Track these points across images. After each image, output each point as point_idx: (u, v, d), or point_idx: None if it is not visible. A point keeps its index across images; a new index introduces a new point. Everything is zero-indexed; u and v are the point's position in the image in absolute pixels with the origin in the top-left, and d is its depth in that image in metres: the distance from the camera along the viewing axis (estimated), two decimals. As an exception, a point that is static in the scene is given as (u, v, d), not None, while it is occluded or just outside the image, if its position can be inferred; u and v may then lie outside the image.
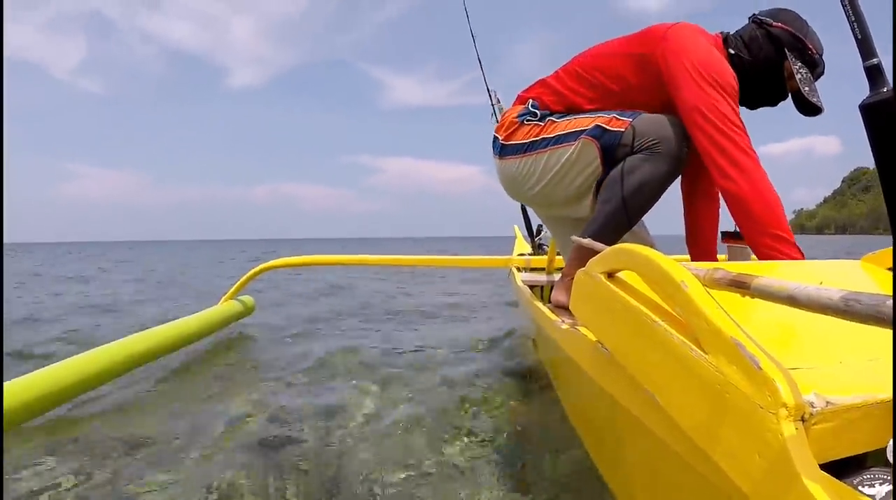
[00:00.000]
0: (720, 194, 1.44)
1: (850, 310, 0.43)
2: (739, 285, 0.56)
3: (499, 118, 2.95)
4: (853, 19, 0.47)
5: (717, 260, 1.65)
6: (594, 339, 0.89)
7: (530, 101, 1.55)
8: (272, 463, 1.02)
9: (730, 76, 1.28)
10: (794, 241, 1.21)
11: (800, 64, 1.35)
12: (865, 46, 0.46)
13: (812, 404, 0.47)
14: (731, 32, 1.44)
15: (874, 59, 0.44)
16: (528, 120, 1.53)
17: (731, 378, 0.49)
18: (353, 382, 1.59)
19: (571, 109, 1.50)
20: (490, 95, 3.11)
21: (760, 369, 0.46)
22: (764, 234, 1.23)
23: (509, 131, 1.57)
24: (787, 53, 1.35)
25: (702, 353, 0.54)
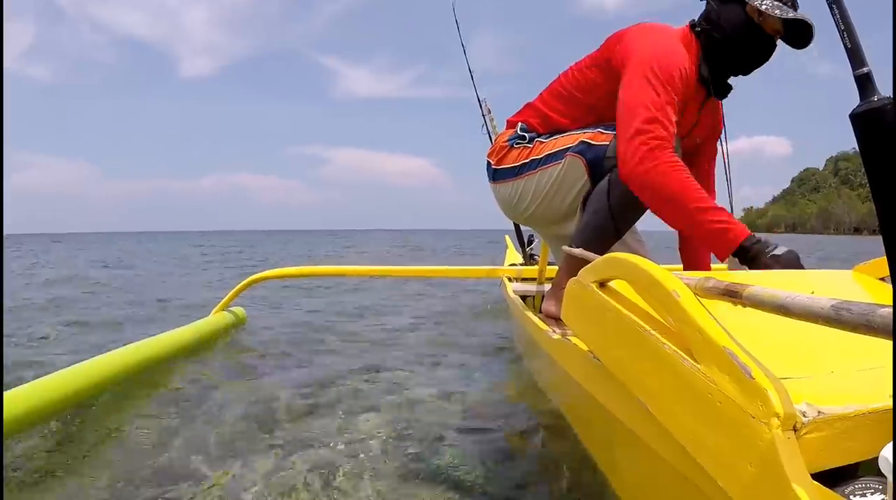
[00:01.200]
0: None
1: (840, 319, 0.43)
2: (731, 295, 0.56)
3: (490, 129, 2.93)
4: (842, 28, 0.47)
5: (709, 269, 1.65)
6: (586, 349, 0.89)
7: (519, 124, 1.57)
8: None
9: (673, 67, 1.26)
10: (723, 207, 1.21)
11: None
12: (856, 55, 0.46)
13: (804, 414, 0.46)
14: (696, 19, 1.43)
15: (864, 69, 0.45)
16: (517, 143, 1.55)
17: (722, 388, 0.49)
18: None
19: (557, 129, 1.51)
20: (480, 105, 3.08)
21: (752, 378, 0.46)
22: (690, 211, 1.19)
23: (500, 156, 1.59)
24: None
25: (693, 363, 0.53)
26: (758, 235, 1.19)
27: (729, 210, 1.39)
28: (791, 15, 1.26)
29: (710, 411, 0.50)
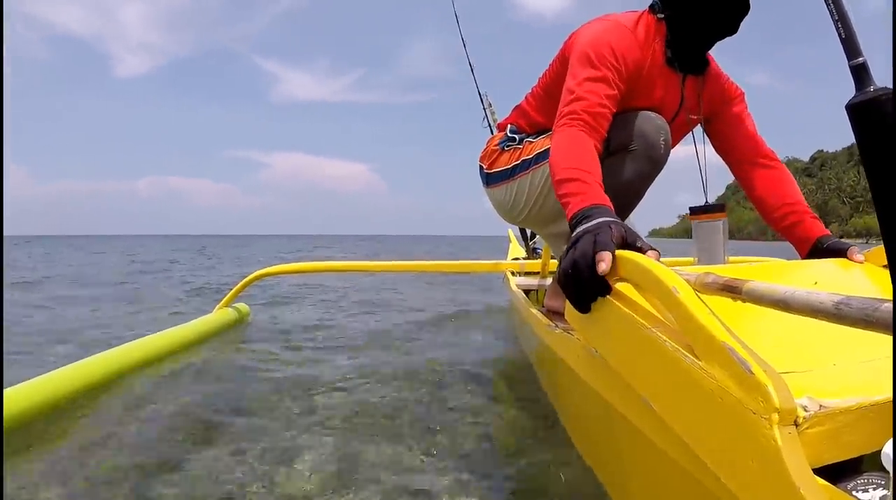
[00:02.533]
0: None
1: (840, 314, 0.43)
2: (730, 290, 0.56)
3: (491, 123, 2.92)
4: (837, 18, 0.47)
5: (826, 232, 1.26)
6: (588, 343, 0.89)
7: (509, 127, 1.56)
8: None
9: (603, 47, 1.22)
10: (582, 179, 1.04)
11: None
12: (850, 45, 0.46)
13: (805, 408, 0.46)
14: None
15: (860, 59, 0.45)
16: (507, 146, 1.54)
17: (723, 384, 0.49)
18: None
19: (544, 128, 1.50)
20: (482, 99, 3.07)
21: (752, 374, 0.46)
22: (555, 183, 1.09)
23: (492, 160, 1.58)
24: None
25: (694, 359, 0.53)
26: (600, 212, 0.91)
27: (704, 199, 1.36)
28: None
29: (712, 407, 0.50)
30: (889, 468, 0.40)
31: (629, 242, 0.78)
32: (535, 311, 1.50)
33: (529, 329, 1.64)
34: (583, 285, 0.76)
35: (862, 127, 0.44)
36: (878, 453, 0.44)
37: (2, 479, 0.99)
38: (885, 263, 0.92)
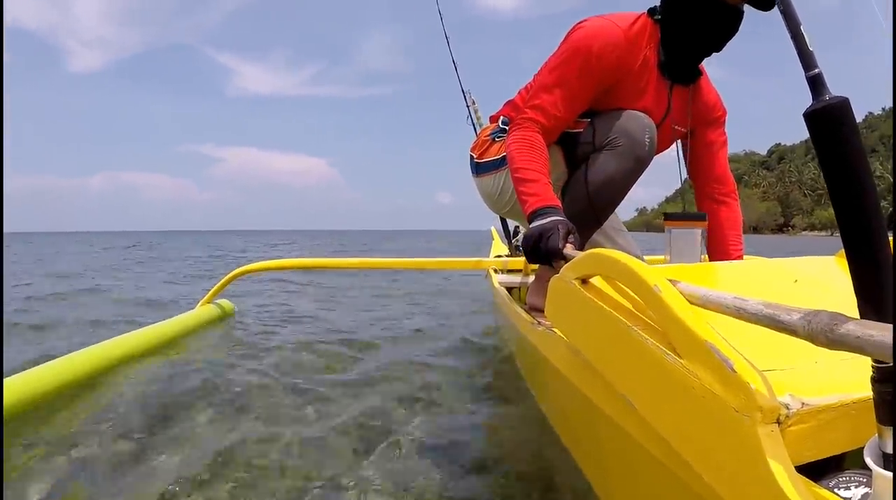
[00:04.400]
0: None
1: (777, 322, 0.43)
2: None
3: (474, 121, 2.93)
4: (792, 34, 0.52)
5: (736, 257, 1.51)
6: (570, 342, 0.88)
7: (501, 118, 1.58)
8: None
9: (583, 54, 1.26)
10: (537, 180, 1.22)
11: None
12: (806, 59, 0.51)
13: (787, 406, 0.46)
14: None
15: (815, 70, 0.49)
16: (498, 137, 1.55)
17: (705, 382, 0.48)
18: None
19: None
20: (465, 97, 3.07)
21: (734, 371, 0.45)
22: (514, 180, 1.25)
23: (482, 149, 1.60)
24: None
25: (676, 357, 0.53)
26: (552, 211, 1.15)
27: (682, 206, 1.44)
28: None
29: (694, 405, 0.50)
30: (872, 465, 0.41)
31: (570, 237, 1.06)
32: (517, 308, 1.50)
33: (512, 326, 1.63)
34: (541, 258, 1.08)
35: (819, 133, 0.47)
36: (860, 450, 0.44)
37: (1, 479, 0.98)
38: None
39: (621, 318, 0.63)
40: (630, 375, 0.62)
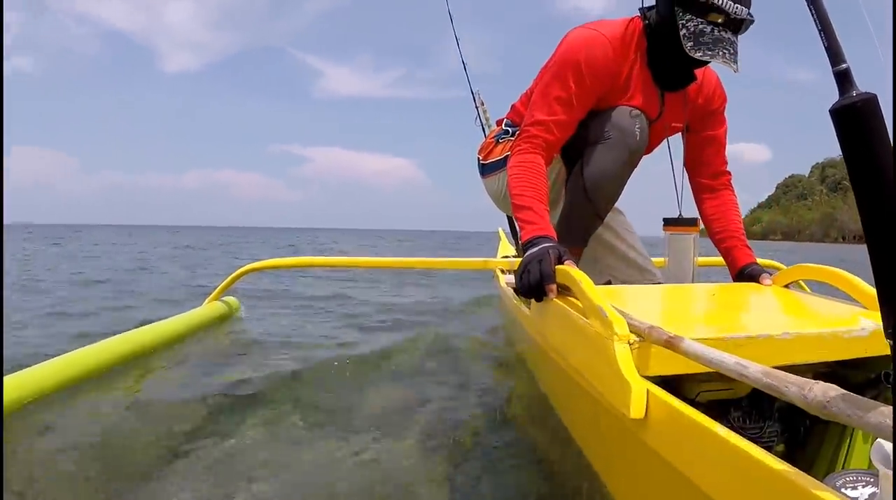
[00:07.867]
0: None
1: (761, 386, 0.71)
2: (669, 346, 0.88)
3: (483, 121, 2.95)
4: (820, 28, 0.51)
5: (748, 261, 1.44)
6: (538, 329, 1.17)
7: (505, 121, 1.67)
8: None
9: (574, 67, 1.30)
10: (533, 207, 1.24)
11: (688, 16, 1.22)
12: (834, 53, 0.49)
13: (639, 336, 0.76)
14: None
15: (843, 65, 0.48)
16: (502, 138, 1.64)
17: (596, 328, 0.81)
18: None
19: None
20: (474, 97, 2.95)
21: (607, 316, 0.78)
22: (513, 206, 1.28)
23: (487, 151, 1.69)
24: (674, 7, 1.23)
25: (587, 320, 0.85)
26: (544, 240, 1.17)
27: (678, 211, 1.44)
28: (697, 55, 1.21)
29: (589, 341, 0.82)
30: (878, 465, 0.41)
31: (562, 260, 1.11)
32: (524, 307, 1.59)
33: (519, 325, 1.77)
34: (534, 294, 1.11)
35: (845, 130, 0.45)
36: (860, 449, 0.59)
37: (1, 478, 0.97)
38: (787, 283, 1.19)
39: (565, 306, 0.97)
40: (566, 338, 0.95)
